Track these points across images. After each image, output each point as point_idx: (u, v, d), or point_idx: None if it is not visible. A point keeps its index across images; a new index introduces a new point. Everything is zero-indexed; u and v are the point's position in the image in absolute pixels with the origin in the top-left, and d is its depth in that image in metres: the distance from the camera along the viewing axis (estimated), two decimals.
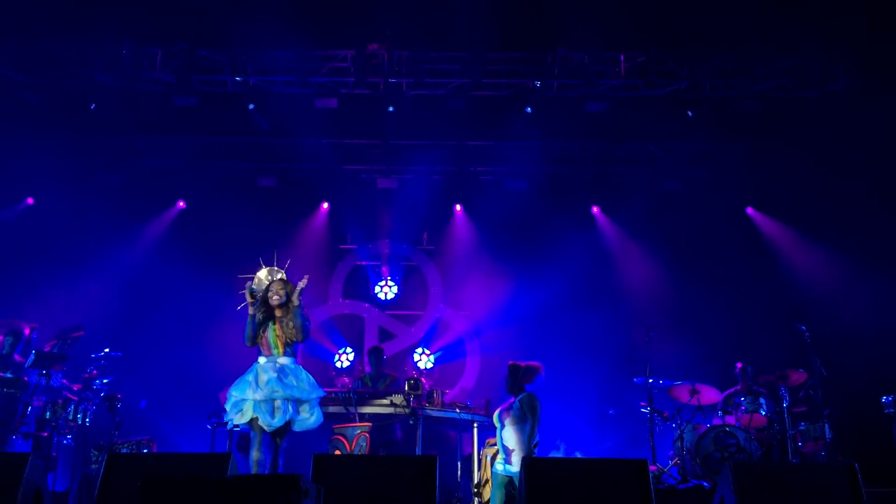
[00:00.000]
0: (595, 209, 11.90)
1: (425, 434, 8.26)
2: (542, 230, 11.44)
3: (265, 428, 6.30)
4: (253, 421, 6.33)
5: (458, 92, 10.25)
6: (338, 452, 7.97)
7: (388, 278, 11.93)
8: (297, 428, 6.44)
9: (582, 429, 10.35)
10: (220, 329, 10.19)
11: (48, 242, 10.71)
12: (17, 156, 10.30)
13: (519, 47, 10.05)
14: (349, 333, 11.75)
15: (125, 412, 8.79)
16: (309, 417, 6.45)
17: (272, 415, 6.29)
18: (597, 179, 11.64)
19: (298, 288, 6.51)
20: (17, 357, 8.71)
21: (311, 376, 6.61)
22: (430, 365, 11.29)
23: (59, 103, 10.26)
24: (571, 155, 11.52)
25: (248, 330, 6.50)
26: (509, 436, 6.71)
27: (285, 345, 6.50)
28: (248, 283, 6.62)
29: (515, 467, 6.45)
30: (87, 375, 8.76)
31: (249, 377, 6.46)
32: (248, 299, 6.50)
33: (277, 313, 6.56)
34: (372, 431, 8.17)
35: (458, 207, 12.02)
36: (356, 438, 8.04)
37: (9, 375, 8.33)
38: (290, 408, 6.35)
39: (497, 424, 6.90)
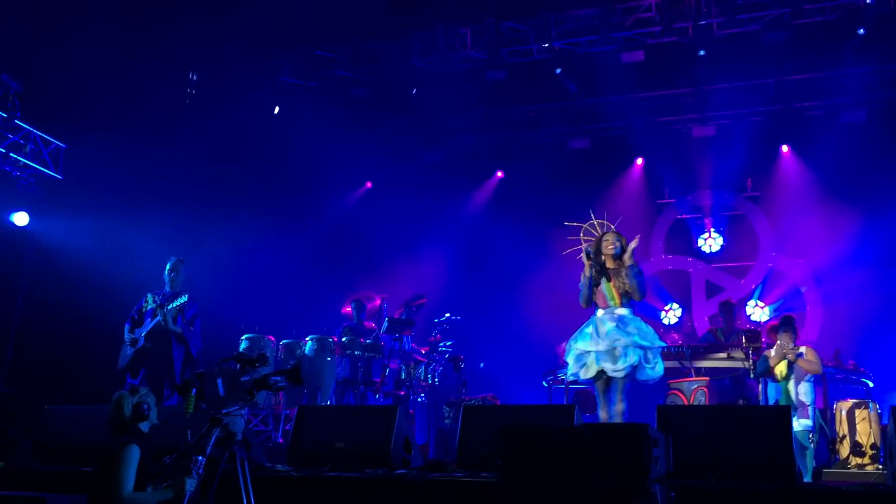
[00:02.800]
0: None
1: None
2: (886, 163, 10.23)
3: (612, 375, 6.13)
4: (598, 376, 6.22)
5: (776, 23, 9.51)
6: None
7: (712, 230, 11.45)
8: (640, 377, 6.18)
9: None
10: (544, 290, 10.50)
11: (387, 221, 11.72)
12: (354, 146, 11.36)
13: None
14: (674, 289, 11.49)
15: (467, 372, 9.41)
16: (654, 367, 6.19)
17: (615, 361, 6.10)
18: None
19: (630, 248, 6.35)
20: (367, 324, 9.70)
21: (651, 328, 6.40)
22: (766, 318, 10.67)
23: (384, 93, 11.13)
24: None
25: (584, 291, 6.37)
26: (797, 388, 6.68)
27: (622, 296, 6.30)
28: (586, 245, 6.45)
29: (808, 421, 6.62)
30: (432, 339, 9.56)
31: (589, 329, 6.32)
32: (586, 262, 6.35)
33: (610, 265, 6.39)
34: (710, 386, 7.95)
35: (784, 148, 11.20)
36: (694, 393, 7.87)
37: (368, 341, 9.28)
38: (633, 354, 6.10)
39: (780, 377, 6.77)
